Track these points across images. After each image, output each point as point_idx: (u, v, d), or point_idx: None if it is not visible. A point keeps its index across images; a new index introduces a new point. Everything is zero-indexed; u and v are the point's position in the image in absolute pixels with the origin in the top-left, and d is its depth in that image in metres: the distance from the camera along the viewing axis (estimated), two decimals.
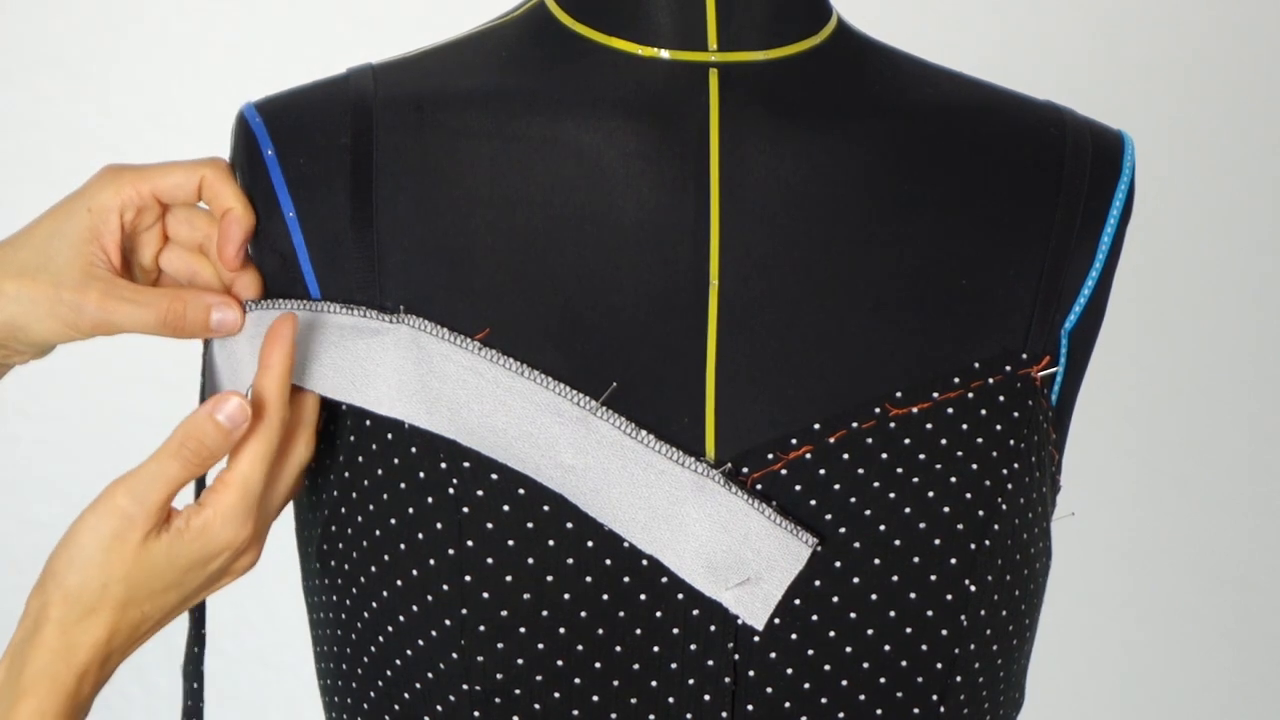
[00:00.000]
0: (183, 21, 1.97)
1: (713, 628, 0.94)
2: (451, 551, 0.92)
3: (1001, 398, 0.96)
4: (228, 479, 0.94)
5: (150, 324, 0.97)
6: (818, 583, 0.94)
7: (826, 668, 0.94)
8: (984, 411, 0.96)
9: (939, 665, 0.95)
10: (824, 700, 0.95)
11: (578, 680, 0.94)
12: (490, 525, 0.92)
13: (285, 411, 0.94)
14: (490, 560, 0.92)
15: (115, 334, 0.98)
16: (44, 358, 1.03)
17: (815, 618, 0.94)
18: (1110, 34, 1.98)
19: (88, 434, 2.01)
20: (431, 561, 0.93)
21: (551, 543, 0.93)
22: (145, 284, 1.01)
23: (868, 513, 0.94)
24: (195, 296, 0.97)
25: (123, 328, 0.97)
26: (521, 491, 0.93)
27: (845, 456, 0.94)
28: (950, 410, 0.95)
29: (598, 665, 0.94)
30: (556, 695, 0.94)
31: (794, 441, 0.94)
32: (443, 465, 0.93)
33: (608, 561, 0.93)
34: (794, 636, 0.94)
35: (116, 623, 0.93)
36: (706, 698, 0.94)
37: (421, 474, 0.93)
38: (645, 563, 0.93)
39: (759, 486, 0.94)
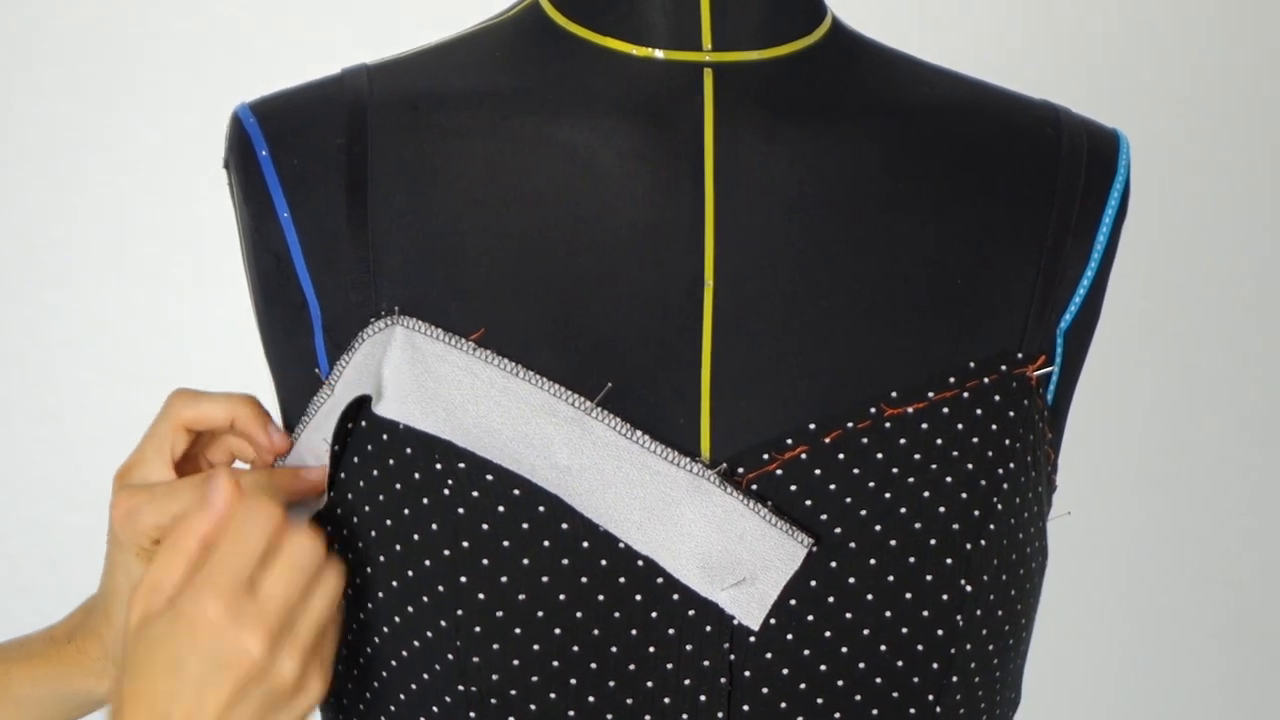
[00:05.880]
0: (183, 21, 1.97)
1: (708, 628, 0.94)
2: (447, 552, 0.92)
3: (997, 397, 0.96)
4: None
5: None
6: (813, 583, 0.94)
7: (822, 668, 0.94)
8: (979, 411, 0.96)
9: (935, 665, 0.95)
10: (820, 700, 0.95)
11: (573, 681, 0.94)
12: (486, 526, 0.92)
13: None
14: (486, 561, 0.92)
15: None
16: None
17: (811, 618, 0.94)
18: (1107, 32, 1.98)
19: (88, 434, 2.01)
20: (427, 562, 0.93)
21: (547, 543, 0.92)
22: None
23: (863, 513, 0.94)
24: (215, 476, 0.94)
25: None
26: (517, 492, 0.92)
27: (841, 457, 0.94)
28: (946, 410, 0.95)
29: (593, 666, 0.94)
30: (552, 696, 0.94)
31: (789, 442, 0.94)
32: (438, 466, 0.93)
33: (603, 562, 0.93)
34: (790, 637, 0.94)
35: None
36: (702, 698, 0.94)
37: (417, 475, 0.93)
38: (641, 563, 0.93)
39: (754, 487, 0.94)
